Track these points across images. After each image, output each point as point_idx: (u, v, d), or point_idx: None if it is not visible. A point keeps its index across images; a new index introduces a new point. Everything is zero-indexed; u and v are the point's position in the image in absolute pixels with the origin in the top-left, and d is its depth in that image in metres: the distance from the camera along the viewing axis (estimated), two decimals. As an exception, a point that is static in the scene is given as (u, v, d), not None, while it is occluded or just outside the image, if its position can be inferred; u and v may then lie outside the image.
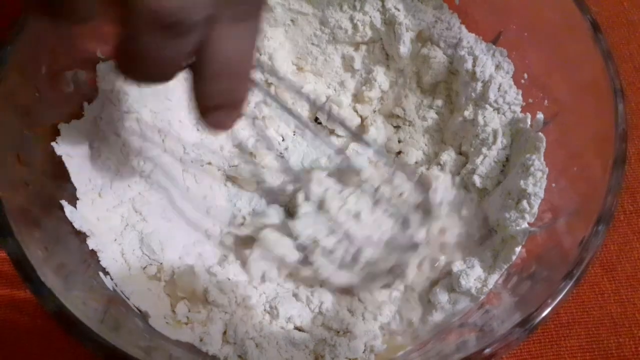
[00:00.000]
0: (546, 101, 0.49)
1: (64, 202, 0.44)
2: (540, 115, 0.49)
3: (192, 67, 0.31)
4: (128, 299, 0.45)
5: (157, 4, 0.25)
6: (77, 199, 0.46)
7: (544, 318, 0.35)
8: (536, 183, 0.46)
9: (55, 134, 0.47)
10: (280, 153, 0.56)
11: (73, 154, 0.47)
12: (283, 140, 0.57)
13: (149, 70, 0.29)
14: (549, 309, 0.35)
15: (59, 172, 0.46)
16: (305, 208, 0.49)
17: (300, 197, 0.50)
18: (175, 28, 0.26)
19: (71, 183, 0.46)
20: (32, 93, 0.44)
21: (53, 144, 0.46)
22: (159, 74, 0.29)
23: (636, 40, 0.64)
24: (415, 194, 0.49)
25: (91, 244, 0.45)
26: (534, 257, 0.44)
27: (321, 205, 0.49)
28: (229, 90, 0.32)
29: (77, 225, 0.44)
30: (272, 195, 0.54)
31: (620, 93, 0.40)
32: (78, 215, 0.45)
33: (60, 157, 0.46)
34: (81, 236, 0.45)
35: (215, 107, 0.32)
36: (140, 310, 0.45)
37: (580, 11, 0.44)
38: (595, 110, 0.43)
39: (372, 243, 0.47)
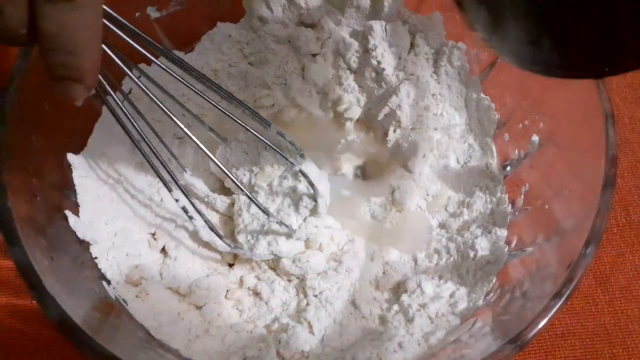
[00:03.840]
0: (542, 124, 0.50)
1: (68, 212, 0.45)
2: (535, 138, 0.50)
3: None
4: (129, 308, 0.46)
5: None
6: (80, 208, 0.47)
7: (533, 335, 0.36)
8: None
9: (63, 144, 0.48)
10: None
11: (80, 166, 0.49)
12: None
13: None
14: (538, 327, 0.36)
15: (65, 182, 0.47)
16: None
17: None
18: None
19: (75, 193, 0.48)
20: (43, 106, 0.45)
21: (68, 155, 0.47)
22: (5, 40, 0.32)
23: (629, 55, 0.64)
24: None
25: (94, 252, 0.46)
26: (525, 276, 0.45)
27: None
28: (66, 64, 0.33)
29: (80, 235, 0.45)
30: None
31: (612, 119, 0.41)
32: (81, 224, 0.46)
33: (66, 168, 0.47)
34: (84, 244, 0.46)
35: (58, 78, 0.34)
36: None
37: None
38: (587, 134, 0.44)
39: None
